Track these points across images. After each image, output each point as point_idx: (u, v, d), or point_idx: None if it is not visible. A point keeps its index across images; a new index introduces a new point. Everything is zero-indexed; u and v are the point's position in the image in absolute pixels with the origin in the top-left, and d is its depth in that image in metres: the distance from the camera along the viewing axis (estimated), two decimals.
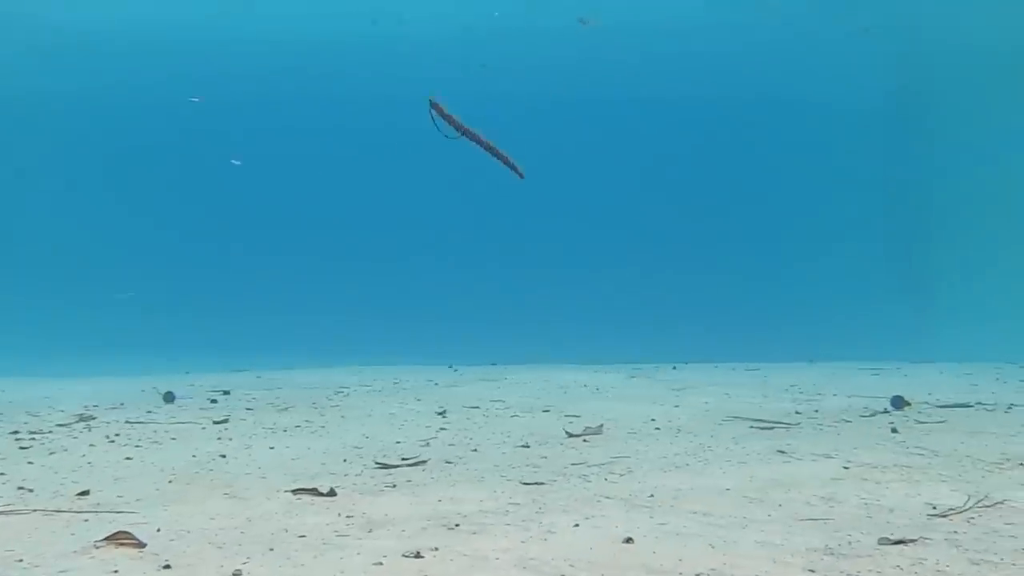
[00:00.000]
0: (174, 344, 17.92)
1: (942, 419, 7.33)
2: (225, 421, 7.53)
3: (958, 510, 4.23)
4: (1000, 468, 5.27)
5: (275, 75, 23.22)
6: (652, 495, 4.59)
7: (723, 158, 23.83)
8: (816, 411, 7.93)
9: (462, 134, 7.49)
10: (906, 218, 23.91)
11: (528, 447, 6.20)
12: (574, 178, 22.99)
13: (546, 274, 23.24)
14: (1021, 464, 5.36)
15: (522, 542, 3.70)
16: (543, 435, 6.73)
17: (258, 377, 12.26)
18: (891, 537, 3.73)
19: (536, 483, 4.92)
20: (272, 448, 6.24)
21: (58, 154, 23.01)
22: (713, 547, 3.61)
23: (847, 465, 5.31)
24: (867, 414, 7.68)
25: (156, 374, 12.59)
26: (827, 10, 21.29)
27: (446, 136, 7.50)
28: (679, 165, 23.59)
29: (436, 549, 3.60)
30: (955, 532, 3.85)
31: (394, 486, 4.90)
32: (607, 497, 4.53)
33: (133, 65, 22.69)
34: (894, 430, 6.70)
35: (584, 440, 6.45)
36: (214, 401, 9.08)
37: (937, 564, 3.37)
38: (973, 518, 4.10)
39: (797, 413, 7.78)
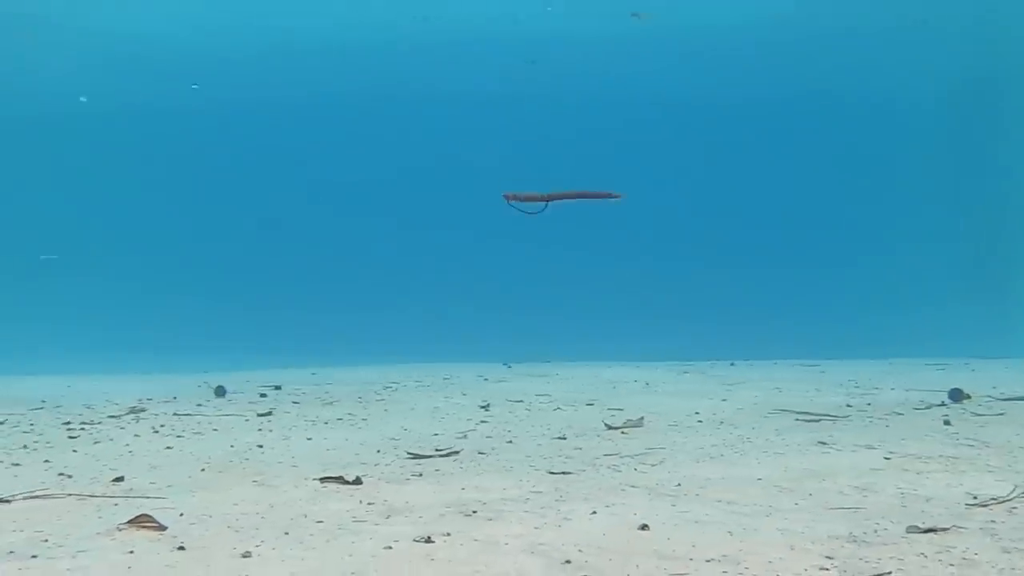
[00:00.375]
0: (235, 343, 18.25)
1: (1001, 412, 7.05)
2: (269, 414, 7.63)
3: (1000, 500, 4.05)
4: None
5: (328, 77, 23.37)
6: (679, 484, 4.49)
7: (787, 156, 23.34)
8: (868, 404, 7.69)
9: (547, 203, 7.46)
10: (977, 213, 23.13)
11: (565, 439, 6.13)
12: (630, 175, 22.78)
13: (605, 271, 23.07)
14: None
15: (536, 528, 3.65)
16: (582, 427, 6.66)
17: (313, 374, 12.41)
18: (921, 525, 3.58)
19: (564, 472, 4.85)
20: (309, 439, 6.29)
21: (102, 157, 23.55)
22: (731, 534, 3.51)
23: (889, 456, 5.12)
24: (922, 407, 7.42)
25: (215, 371, 12.83)
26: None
27: (532, 213, 7.51)
28: (742, 163, 23.18)
29: (448, 534, 3.57)
30: (993, 521, 3.68)
31: (421, 475, 4.89)
32: (633, 486, 4.45)
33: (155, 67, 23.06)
34: (947, 422, 6.46)
35: (622, 432, 6.36)
36: (263, 395, 9.21)
37: (965, 552, 3.22)
38: (1016, 508, 3.91)
39: (848, 406, 7.57)
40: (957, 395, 7.78)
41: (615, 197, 7.24)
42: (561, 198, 7.43)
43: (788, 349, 15.67)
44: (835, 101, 22.60)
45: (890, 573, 2.97)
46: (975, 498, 4.10)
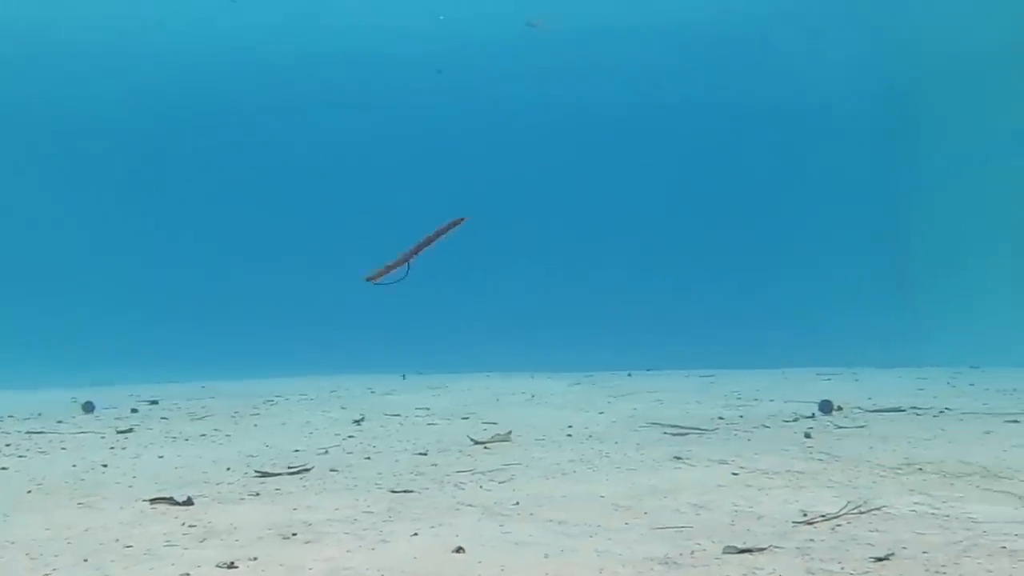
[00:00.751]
0: (149, 357, 17.75)
1: (863, 424, 7.15)
2: (129, 431, 7.35)
3: (829, 517, 4.05)
4: (896, 473, 5.09)
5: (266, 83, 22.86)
6: (518, 503, 4.40)
7: (696, 165, 23.62)
8: (740, 416, 7.75)
9: (409, 264, 7.64)
10: (887, 221, 23.63)
11: (426, 455, 6.01)
12: (542, 182, 22.84)
13: (520, 284, 23.05)
14: (919, 469, 5.18)
15: (348, 551, 3.52)
16: (449, 442, 6.55)
17: (202, 387, 12.09)
18: (739, 546, 3.55)
19: (406, 491, 4.73)
20: (161, 457, 6.05)
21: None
22: (547, 557, 3.43)
23: (737, 471, 5.12)
24: (790, 419, 7.50)
25: (115, 385, 12.42)
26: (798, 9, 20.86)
27: (398, 281, 7.63)
28: (646, 171, 23.36)
29: (255, 559, 3.41)
30: (812, 540, 3.66)
31: (258, 494, 4.71)
32: (469, 505, 4.35)
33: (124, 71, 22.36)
34: (807, 435, 6.53)
35: (486, 448, 6.27)
36: (135, 411, 8.90)
37: (771, 573, 3.19)
38: (840, 525, 3.92)
39: (720, 419, 7.60)
40: (827, 407, 7.89)
41: (460, 223, 7.42)
42: (419, 251, 7.64)
43: (699, 360, 15.82)
44: (740, 111, 22.89)
45: None
46: (805, 515, 4.10)
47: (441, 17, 15.80)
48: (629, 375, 13.11)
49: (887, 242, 23.52)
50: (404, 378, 12.84)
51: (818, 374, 12.80)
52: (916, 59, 22.20)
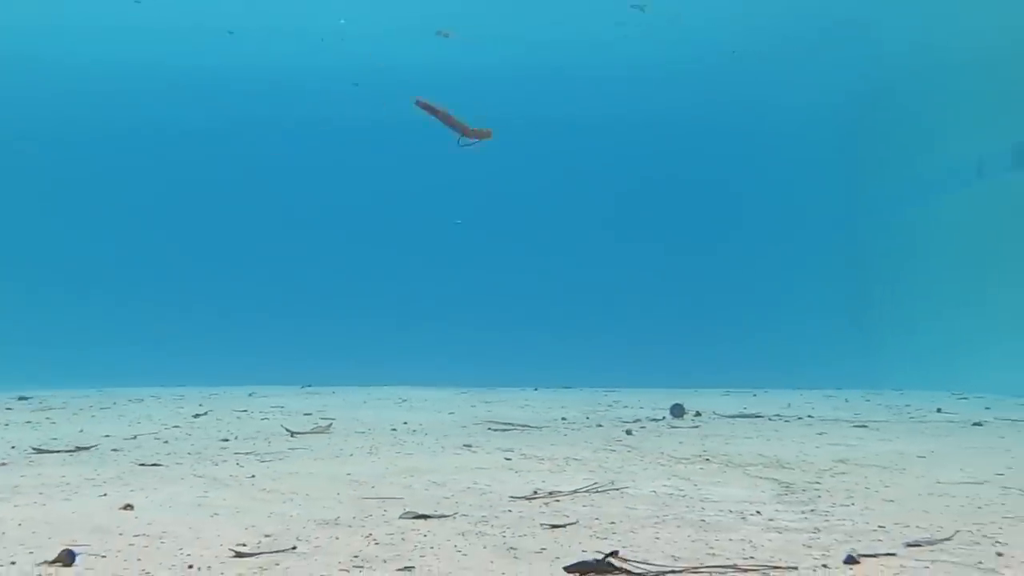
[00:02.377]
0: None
1: (697, 425, 7.10)
2: None
3: (556, 494, 3.97)
4: (678, 462, 5.00)
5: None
6: (253, 476, 4.31)
7: (633, 180, 23.53)
8: (587, 418, 7.67)
9: None
10: (844, 244, 23.60)
11: (227, 441, 5.92)
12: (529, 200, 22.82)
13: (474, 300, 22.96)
14: (706, 460, 5.11)
15: (16, 506, 3.43)
16: (266, 433, 6.43)
17: (100, 391, 11.97)
18: (419, 512, 3.47)
19: (154, 464, 4.64)
20: None
21: None
22: (214, 516, 3.32)
23: (512, 458, 5.04)
24: (631, 421, 7.44)
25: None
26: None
27: None
28: (604, 187, 23.31)
29: None
30: (508, 511, 3.55)
31: (4, 465, 4.64)
32: (199, 476, 4.25)
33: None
34: (628, 432, 6.45)
35: (293, 435, 6.19)
36: None
37: (427, 534, 3.10)
38: (558, 501, 3.82)
39: (562, 420, 7.53)
40: (678, 411, 7.84)
41: None
42: None
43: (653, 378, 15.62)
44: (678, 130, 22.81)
45: (294, 548, 2.86)
46: (535, 493, 4.02)
47: (342, 21, 15.85)
48: (536, 389, 13.02)
49: (839, 266, 23.49)
50: (304, 388, 12.68)
51: (724, 392, 12.73)
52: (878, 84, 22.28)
